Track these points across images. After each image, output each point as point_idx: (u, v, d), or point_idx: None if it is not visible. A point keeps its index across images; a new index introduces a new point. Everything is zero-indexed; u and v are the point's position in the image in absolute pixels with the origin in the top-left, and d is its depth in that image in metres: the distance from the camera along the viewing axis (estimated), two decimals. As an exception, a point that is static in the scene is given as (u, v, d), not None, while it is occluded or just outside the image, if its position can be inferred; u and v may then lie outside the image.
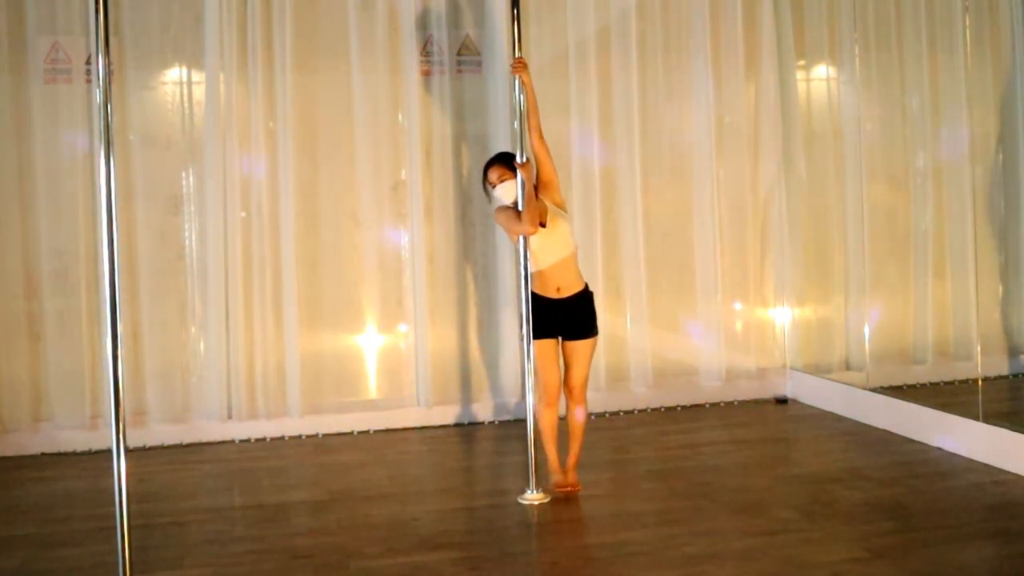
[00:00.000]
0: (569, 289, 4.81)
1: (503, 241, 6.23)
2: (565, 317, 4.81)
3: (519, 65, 4.81)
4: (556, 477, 4.89)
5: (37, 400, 5.95)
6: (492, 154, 5.09)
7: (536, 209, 4.74)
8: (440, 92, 6.37)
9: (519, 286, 4.85)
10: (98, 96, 3.54)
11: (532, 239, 4.76)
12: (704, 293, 6.77)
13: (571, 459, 4.95)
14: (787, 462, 5.55)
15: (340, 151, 6.30)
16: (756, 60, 6.85)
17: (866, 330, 6.44)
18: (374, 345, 6.40)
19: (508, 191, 4.81)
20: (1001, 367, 6.32)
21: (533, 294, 4.80)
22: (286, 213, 6.13)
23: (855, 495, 4.72)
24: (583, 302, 4.86)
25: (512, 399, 6.38)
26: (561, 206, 4.86)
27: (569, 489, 4.85)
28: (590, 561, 4.02)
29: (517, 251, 4.84)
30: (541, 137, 4.84)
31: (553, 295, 4.79)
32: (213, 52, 6.02)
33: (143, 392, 6.03)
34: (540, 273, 4.80)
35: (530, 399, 4.91)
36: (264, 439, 6.12)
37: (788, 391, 6.89)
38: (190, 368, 6.14)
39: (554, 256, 4.78)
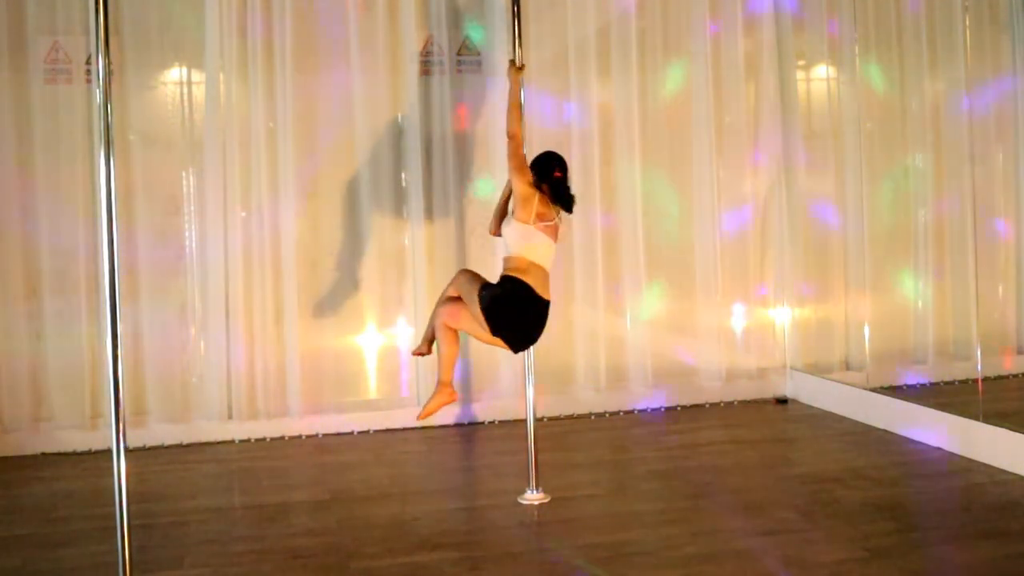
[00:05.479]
0: (546, 293, 4.60)
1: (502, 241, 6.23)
2: (533, 324, 4.60)
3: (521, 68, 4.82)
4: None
5: (37, 400, 5.96)
6: (494, 154, 5.00)
7: (518, 113, 4.67)
8: (440, 92, 6.37)
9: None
10: (98, 96, 3.54)
11: (545, 238, 4.55)
12: (704, 293, 6.77)
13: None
14: (787, 462, 5.55)
15: (340, 151, 6.29)
16: (756, 60, 6.85)
17: (866, 330, 6.44)
18: (374, 345, 6.40)
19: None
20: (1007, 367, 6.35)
21: (520, 281, 4.53)
22: (286, 213, 6.13)
23: (855, 495, 4.72)
24: (546, 314, 4.62)
25: (512, 399, 6.37)
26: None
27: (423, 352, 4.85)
28: (590, 561, 4.01)
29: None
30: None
31: (543, 294, 4.57)
32: (213, 52, 6.02)
33: (143, 392, 6.03)
34: (541, 269, 4.57)
35: (530, 398, 4.91)
36: (264, 439, 6.12)
37: (788, 391, 6.89)
38: (190, 368, 6.14)
39: (548, 263, 4.61)
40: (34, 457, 5.83)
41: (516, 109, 4.75)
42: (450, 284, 4.77)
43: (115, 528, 3.52)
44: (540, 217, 4.57)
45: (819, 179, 6.88)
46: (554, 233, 4.62)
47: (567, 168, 4.69)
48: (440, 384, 4.74)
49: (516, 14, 4.86)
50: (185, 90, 6.12)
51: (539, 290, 4.56)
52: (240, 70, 6.08)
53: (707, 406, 6.73)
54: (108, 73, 3.55)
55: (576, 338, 6.60)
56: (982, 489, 4.76)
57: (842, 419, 6.25)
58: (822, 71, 6.97)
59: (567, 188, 4.65)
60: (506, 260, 4.64)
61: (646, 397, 6.66)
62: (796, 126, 6.90)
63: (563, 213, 4.68)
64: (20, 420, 5.90)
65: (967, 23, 6.06)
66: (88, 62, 5.92)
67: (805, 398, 6.76)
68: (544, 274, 4.59)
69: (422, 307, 6.29)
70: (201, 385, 6.12)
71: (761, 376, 6.89)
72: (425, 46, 6.35)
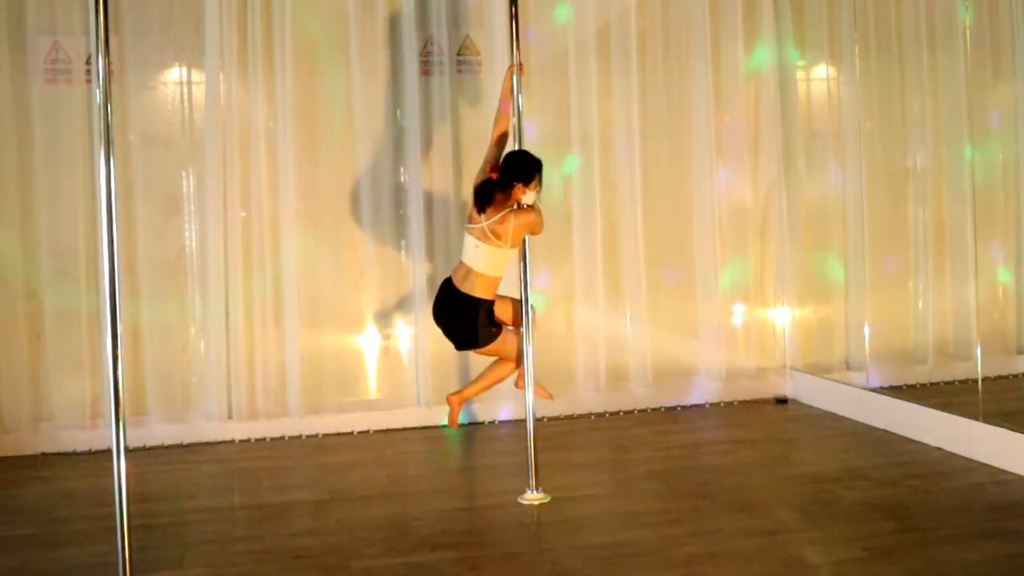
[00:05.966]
0: (469, 289, 4.71)
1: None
2: (450, 314, 4.82)
3: (519, 68, 4.84)
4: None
5: (37, 400, 5.95)
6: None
7: (507, 110, 4.85)
8: (440, 92, 6.37)
9: (518, 286, 4.86)
10: (98, 96, 3.54)
11: (470, 239, 4.68)
12: (704, 293, 6.77)
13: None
14: (787, 462, 5.55)
15: (340, 151, 6.29)
16: (756, 60, 6.85)
17: (866, 330, 6.44)
18: (374, 345, 6.40)
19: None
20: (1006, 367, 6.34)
21: (446, 278, 4.88)
22: (286, 213, 6.13)
23: (855, 495, 4.72)
24: (466, 307, 4.73)
25: (512, 399, 6.36)
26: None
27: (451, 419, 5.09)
28: (590, 561, 4.01)
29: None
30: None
31: (461, 287, 4.74)
32: (213, 52, 6.02)
33: (143, 392, 6.02)
34: (464, 266, 4.75)
35: (530, 398, 4.91)
36: (264, 439, 6.12)
37: (788, 391, 6.89)
38: (190, 368, 6.14)
39: (478, 265, 4.69)
40: (34, 457, 5.83)
41: (503, 108, 4.85)
42: None
43: (115, 528, 3.53)
44: (468, 219, 4.78)
45: (819, 179, 6.88)
46: (481, 235, 4.64)
47: (520, 169, 4.64)
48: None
49: (514, 15, 4.86)
50: (185, 90, 6.12)
51: (458, 283, 4.76)
52: (240, 70, 6.07)
53: (707, 406, 6.73)
54: (108, 73, 3.55)
55: (576, 338, 6.60)
56: (982, 489, 4.76)
57: (842, 419, 6.25)
58: (822, 71, 6.97)
59: (486, 192, 4.63)
60: None
61: (646, 397, 6.66)
62: (796, 126, 6.90)
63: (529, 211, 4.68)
64: (20, 420, 5.89)
65: (967, 23, 6.05)
66: (88, 62, 5.92)
67: (805, 398, 6.76)
68: (466, 270, 4.74)
69: (421, 307, 6.28)
70: (201, 385, 6.12)
71: (761, 376, 6.89)
72: (425, 46, 6.35)
